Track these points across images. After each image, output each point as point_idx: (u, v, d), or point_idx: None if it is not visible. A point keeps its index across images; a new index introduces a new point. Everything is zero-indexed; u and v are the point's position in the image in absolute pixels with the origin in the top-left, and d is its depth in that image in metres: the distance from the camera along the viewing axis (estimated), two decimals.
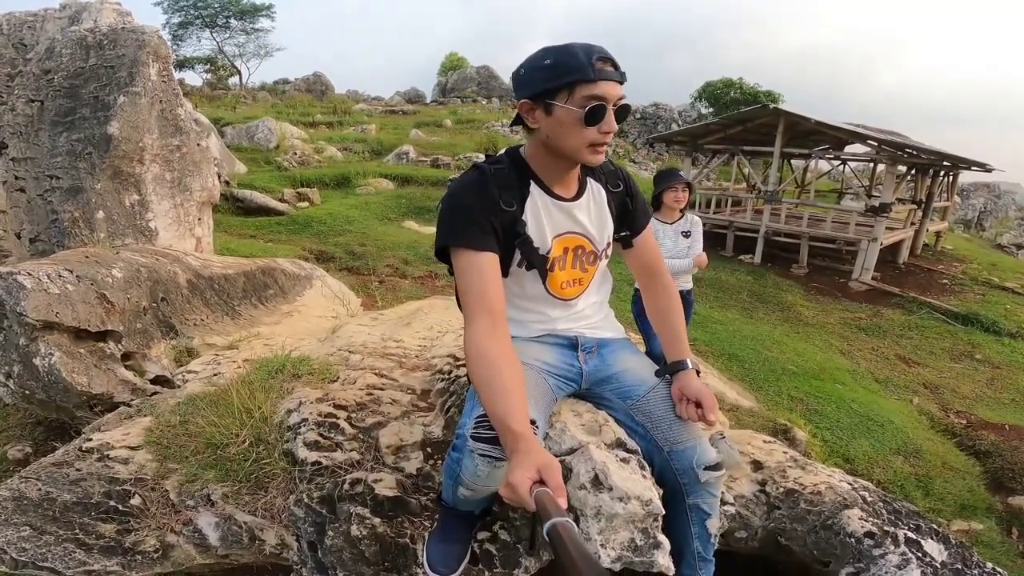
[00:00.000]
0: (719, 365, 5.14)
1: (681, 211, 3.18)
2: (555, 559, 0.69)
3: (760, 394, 4.69)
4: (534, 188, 1.27)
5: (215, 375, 2.60)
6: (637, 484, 1.22)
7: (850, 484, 1.86)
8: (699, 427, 1.32)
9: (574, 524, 0.73)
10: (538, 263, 1.29)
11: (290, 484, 1.51)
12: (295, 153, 13.07)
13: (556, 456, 1.29)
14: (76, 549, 1.30)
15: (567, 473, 1.24)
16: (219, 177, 8.14)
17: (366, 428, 1.63)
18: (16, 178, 5.04)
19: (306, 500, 1.37)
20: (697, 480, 1.25)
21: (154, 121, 5.21)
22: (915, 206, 12.51)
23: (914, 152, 10.79)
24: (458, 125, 19.09)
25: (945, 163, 12.52)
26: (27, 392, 2.87)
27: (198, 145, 5.64)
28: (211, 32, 28.36)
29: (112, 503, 1.41)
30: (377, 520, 1.33)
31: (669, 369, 1.36)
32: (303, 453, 1.51)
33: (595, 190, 1.36)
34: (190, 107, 5.76)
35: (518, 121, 1.25)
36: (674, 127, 22.67)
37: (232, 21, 28.20)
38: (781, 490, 1.82)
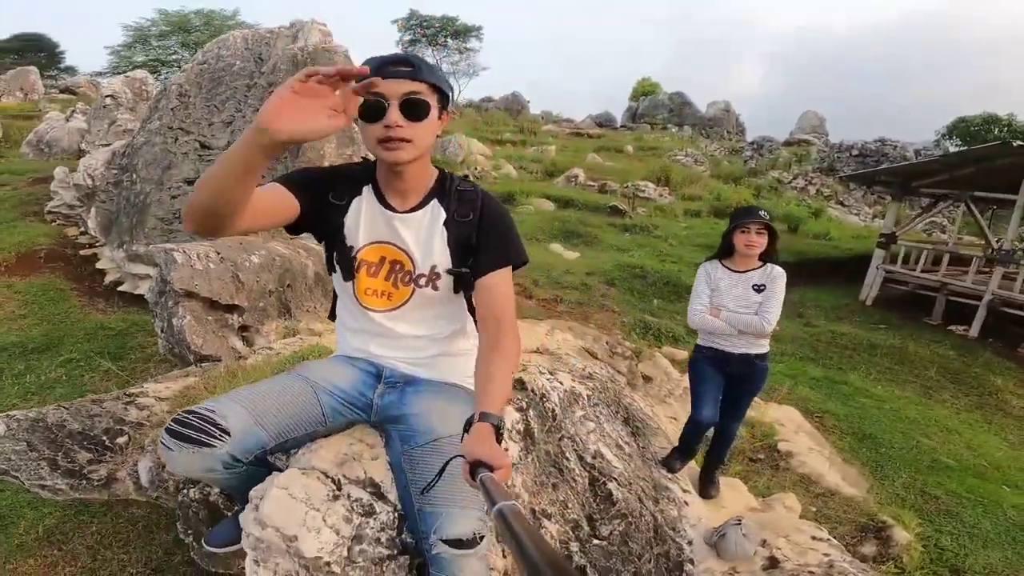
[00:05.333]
0: (841, 444, 4.32)
1: (763, 260, 2.62)
2: (505, 544, 0.70)
3: (880, 484, 3.84)
4: (367, 191, 1.32)
5: (277, 354, 3.03)
6: (313, 530, 1.16)
7: None
8: (469, 496, 1.16)
9: (521, 508, 0.73)
10: (342, 259, 1.32)
11: None
12: (476, 168, 14.22)
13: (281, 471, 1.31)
14: (45, 467, 1.68)
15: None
16: None
17: None
18: None
19: None
20: (431, 550, 1.14)
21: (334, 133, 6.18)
22: None
23: None
24: (639, 152, 18.88)
25: None
26: (169, 345, 3.65)
27: (363, 157, 6.51)
28: (432, 50, 32.76)
29: (104, 438, 1.79)
30: None
31: (466, 426, 1.09)
32: None
33: (434, 211, 1.32)
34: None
35: None
36: (892, 165, 19.42)
37: (449, 40, 32.26)
38: None
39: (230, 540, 1.37)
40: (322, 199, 1.29)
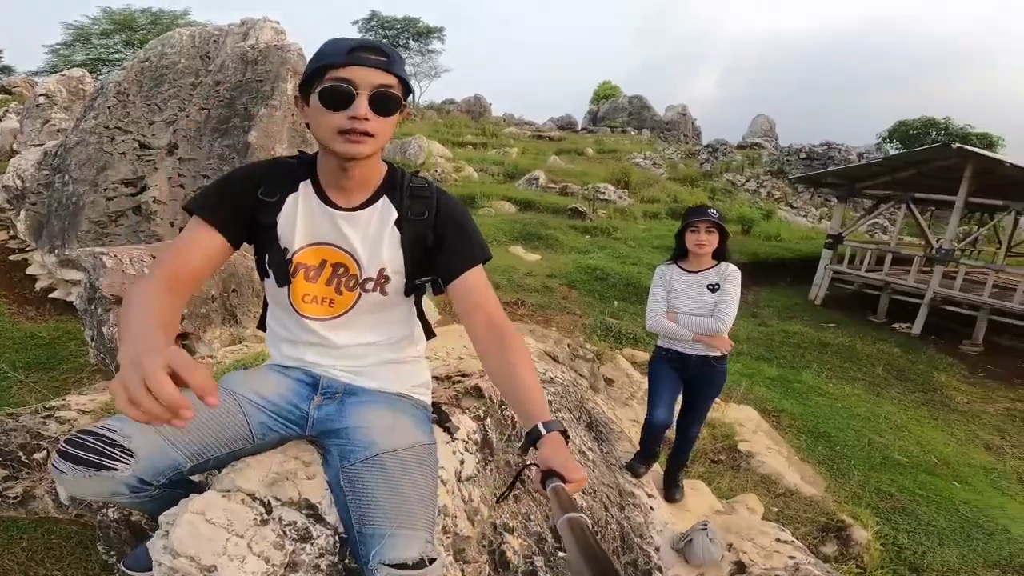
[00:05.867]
0: (798, 443, 4.40)
1: (716, 259, 2.61)
2: (567, 556, 0.70)
3: (837, 483, 3.93)
4: (305, 186, 1.18)
5: (219, 363, 2.84)
6: (236, 559, 1.05)
7: None
8: (415, 516, 1.08)
9: (587, 520, 0.71)
10: (275, 263, 1.18)
11: None
12: (436, 170, 14.05)
13: (202, 493, 1.18)
14: None
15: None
16: None
17: None
18: (179, 175, 6.03)
19: None
20: None
21: (285, 132, 5.93)
22: None
23: None
24: (599, 155, 19.08)
25: None
26: (101, 355, 3.39)
27: None
28: None
29: (20, 454, 1.61)
30: None
31: (531, 438, 1.00)
32: None
33: (383, 209, 1.19)
34: None
35: None
36: (838, 168, 20.27)
37: (411, 42, 31.93)
38: None
39: (148, 566, 1.22)
40: (250, 204, 1.15)
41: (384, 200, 1.21)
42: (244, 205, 1.15)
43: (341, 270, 1.20)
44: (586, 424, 2.77)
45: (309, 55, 1.15)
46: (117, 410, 0.78)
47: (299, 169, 1.20)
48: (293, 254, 1.18)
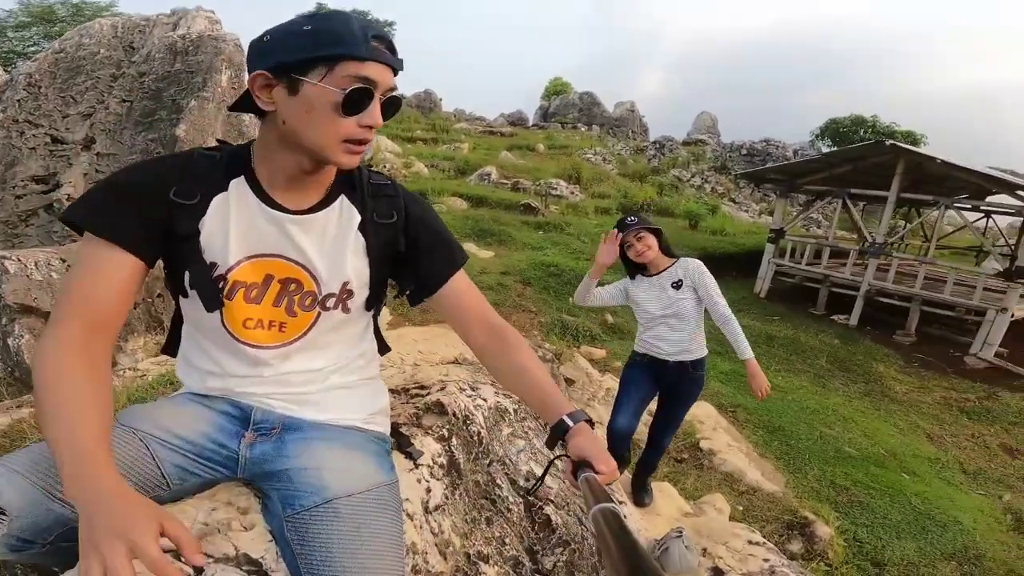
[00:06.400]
0: (755, 439, 4.45)
1: (674, 256, 2.59)
2: (600, 548, 0.67)
3: (795, 478, 3.99)
4: (237, 185, 0.94)
5: (142, 376, 2.54)
6: None
7: None
8: (379, 572, 0.91)
9: (620, 510, 0.70)
10: (201, 281, 0.92)
11: None
12: (385, 166, 13.62)
13: None
14: None
15: None
16: None
17: None
18: (97, 171, 5.52)
19: None
20: None
21: (219, 125, 5.52)
22: None
23: None
24: (550, 150, 19.08)
25: None
26: (8, 368, 2.99)
27: None
28: None
29: None
30: None
31: (559, 431, 0.95)
32: None
33: (344, 211, 0.99)
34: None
35: (244, 104, 0.91)
36: (779, 164, 21.14)
37: None
38: None
39: None
40: (160, 209, 0.90)
41: (343, 200, 1.00)
42: (153, 212, 0.89)
43: (292, 286, 0.98)
44: None
45: (246, 46, 0.90)
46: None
47: (225, 162, 0.95)
48: (228, 270, 0.94)
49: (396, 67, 0.89)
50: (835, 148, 23.32)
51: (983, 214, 13.98)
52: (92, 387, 0.80)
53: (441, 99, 28.38)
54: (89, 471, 0.71)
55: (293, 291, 0.98)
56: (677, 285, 2.51)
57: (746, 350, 2.44)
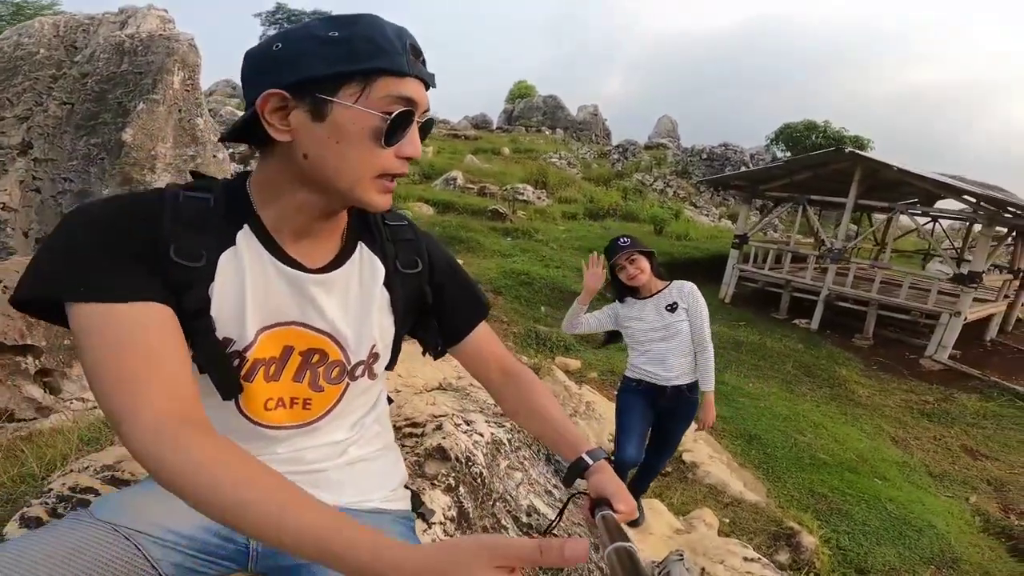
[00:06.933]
0: (734, 448, 4.47)
1: (665, 279, 2.55)
2: None
3: (775, 487, 4.02)
4: (245, 238, 0.74)
5: (93, 407, 2.30)
6: None
7: None
8: None
9: (636, 549, 0.67)
10: (216, 366, 0.74)
11: None
12: None
13: None
14: None
15: None
16: None
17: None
18: (34, 178, 5.14)
19: None
20: None
21: (170, 130, 5.19)
22: (1012, 276, 11.09)
23: (1019, 212, 8.96)
24: (516, 154, 19.03)
25: None
26: None
27: (214, 157, 5.59)
28: None
29: None
30: None
31: (578, 469, 0.89)
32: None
33: (366, 263, 0.83)
34: (210, 118, 5.72)
35: (242, 131, 0.71)
36: (743, 171, 21.70)
37: None
38: None
39: None
40: (161, 269, 0.68)
41: (362, 250, 0.84)
42: (155, 271, 0.68)
43: (316, 357, 0.81)
44: (545, 457, 2.55)
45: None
46: None
47: (222, 207, 0.74)
48: (247, 348, 0.76)
49: (431, 83, 0.73)
50: (789, 152, 24.10)
51: (930, 218, 14.67)
52: (264, 467, 0.64)
53: None
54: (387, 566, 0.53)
55: (316, 363, 0.82)
56: (672, 308, 2.49)
57: (710, 382, 2.52)
